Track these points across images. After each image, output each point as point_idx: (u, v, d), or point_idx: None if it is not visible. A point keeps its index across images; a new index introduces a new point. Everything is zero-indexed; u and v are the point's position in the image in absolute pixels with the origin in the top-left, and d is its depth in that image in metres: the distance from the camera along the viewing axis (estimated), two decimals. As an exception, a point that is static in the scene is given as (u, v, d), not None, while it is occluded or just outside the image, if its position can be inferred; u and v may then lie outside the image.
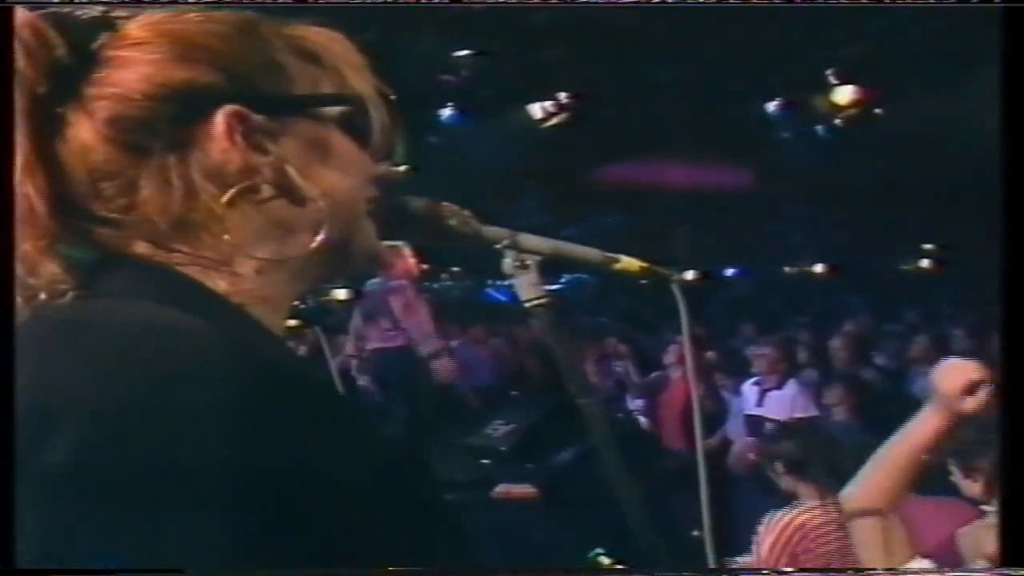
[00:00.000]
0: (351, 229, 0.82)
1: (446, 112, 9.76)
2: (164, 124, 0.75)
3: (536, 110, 9.74)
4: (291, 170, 0.77)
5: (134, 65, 0.75)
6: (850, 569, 2.11)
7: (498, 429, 6.43)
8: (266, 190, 0.77)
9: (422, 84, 8.92)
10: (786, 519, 3.05)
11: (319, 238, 0.79)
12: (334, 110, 0.81)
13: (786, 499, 3.27)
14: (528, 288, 1.12)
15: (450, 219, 1.06)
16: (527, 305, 1.13)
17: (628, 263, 1.20)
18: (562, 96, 9.50)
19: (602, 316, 11.95)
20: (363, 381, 6.61)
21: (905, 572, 2.08)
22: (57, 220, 0.75)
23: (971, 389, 2.02)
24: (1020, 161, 1.00)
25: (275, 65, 0.79)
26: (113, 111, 0.74)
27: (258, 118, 0.76)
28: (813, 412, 5.71)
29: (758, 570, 2.77)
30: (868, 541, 2.20)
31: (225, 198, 0.75)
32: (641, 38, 7.58)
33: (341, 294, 7.90)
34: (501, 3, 5.89)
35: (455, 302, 14.09)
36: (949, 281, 12.79)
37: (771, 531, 3.01)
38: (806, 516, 3.07)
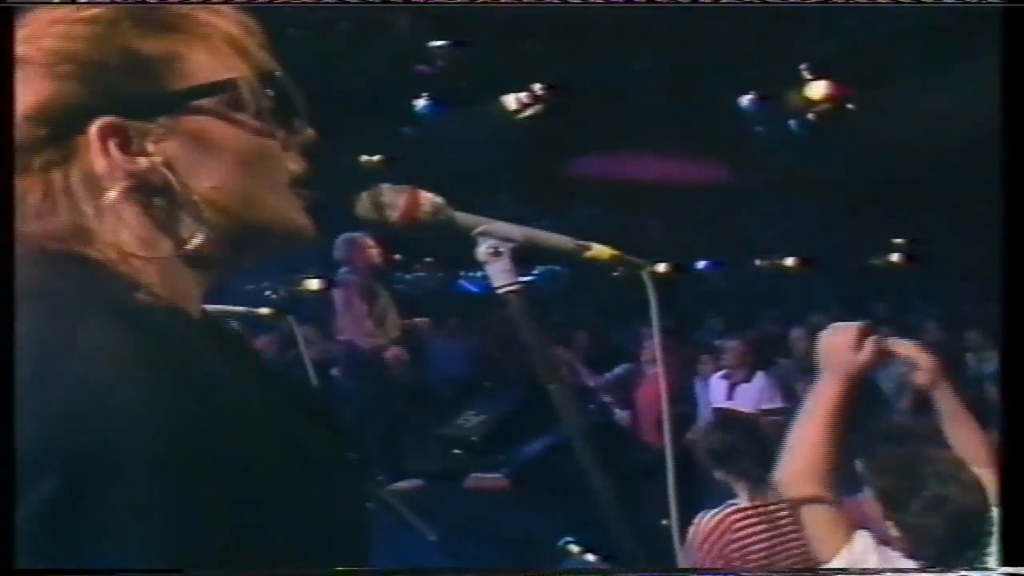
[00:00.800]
0: (260, 211, 0.82)
1: (421, 102, 9.74)
2: (43, 143, 0.75)
3: (511, 101, 9.73)
4: (167, 171, 0.77)
5: (16, 87, 0.75)
6: (843, 569, 2.13)
7: (469, 420, 6.45)
8: (152, 191, 0.77)
9: (397, 74, 8.89)
10: (713, 520, 3.08)
11: (200, 234, 0.79)
12: (211, 99, 0.80)
13: (723, 492, 3.27)
14: (501, 275, 1.14)
15: (424, 207, 1.07)
16: (499, 292, 1.14)
17: (599, 251, 1.21)
18: (537, 88, 9.50)
19: (574, 307, 11.97)
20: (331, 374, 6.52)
21: (899, 571, 2.10)
22: None
23: (855, 346, 2.10)
24: (1020, 161, 1.01)
25: (143, 61, 0.78)
26: None
27: (134, 124, 0.76)
28: (781, 404, 5.76)
29: (742, 571, 2.79)
30: (806, 528, 2.24)
31: (104, 203, 0.76)
32: (616, 31, 7.59)
33: (314, 284, 7.85)
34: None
35: (427, 293, 14.07)
36: (919, 276, 12.94)
37: (700, 531, 3.04)
38: (732, 517, 3.11)
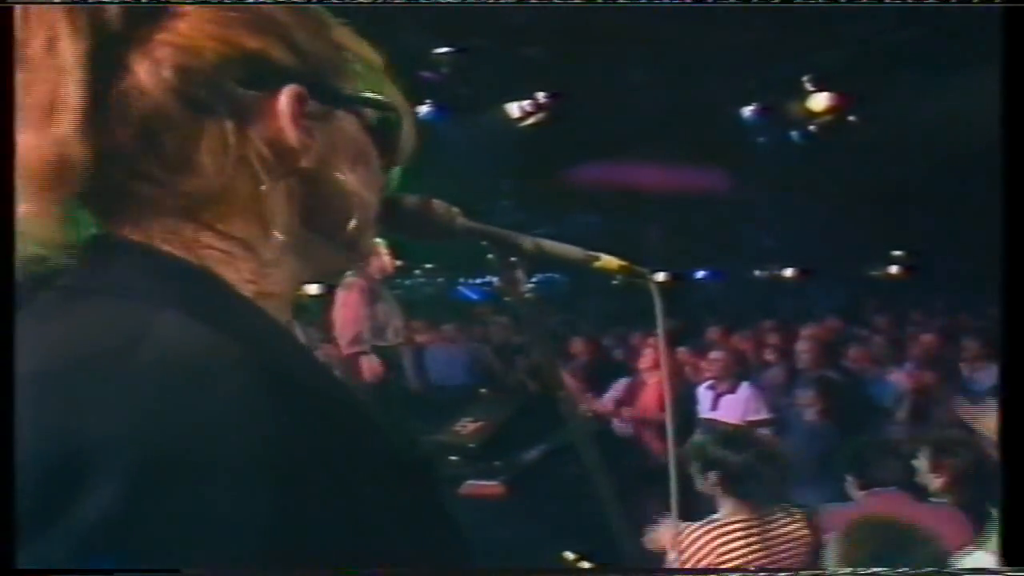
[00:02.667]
0: (363, 227, 0.84)
1: (424, 109, 9.76)
2: (230, 86, 0.74)
3: (514, 109, 9.75)
4: (337, 159, 0.80)
5: (208, 22, 0.75)
6: (846, 568, 2.15)
7: (466, 426, 6.44)
8: (310, 174, 0.78)
9: (401, 80, 8.90)
10: (696, 533, 3.08)
11: (351, 224, 0.81)
12: (372, 115, 0.83)
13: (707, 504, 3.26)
14: (512, 284, 1.15)
15: (441, 216, 1.08)
16: (510, 300, 1.15)
17: (608, 261, 1.22)
18: (540, 96, 9.51)
19: (572, 315, 11.97)
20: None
21: (902, 572, 2.13)
22: (97, 172, 0.71)
23: None
24: (1020, 163, 1.02)
25: (334, 57, 0.81)
26: (181, 60, 0.73)
27: (314, 104, 0.77)
28: (766, 415, 5.76)
29: (741, 570, 2.80)
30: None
31: (264, 185, 0.76)
32: (620, 40, 7.61)
33: (312, 289, 7.83)
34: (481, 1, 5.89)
35: (426, 300, 14.07)
36: (916, 286, 12.96)
37: (680, 542, 3.03)
38: (713, 532, 3.11)
